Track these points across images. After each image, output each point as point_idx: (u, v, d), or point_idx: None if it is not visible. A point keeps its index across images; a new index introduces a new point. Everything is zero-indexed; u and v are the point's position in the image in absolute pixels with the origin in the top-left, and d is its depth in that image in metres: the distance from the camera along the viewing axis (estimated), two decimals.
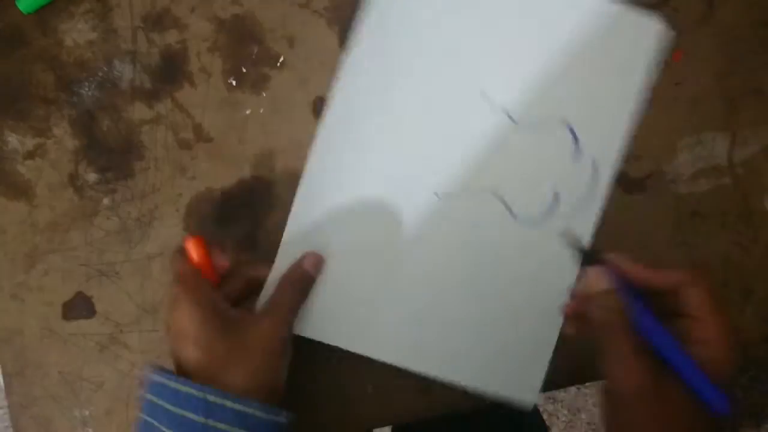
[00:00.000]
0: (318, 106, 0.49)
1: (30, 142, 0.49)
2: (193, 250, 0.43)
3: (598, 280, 0.39)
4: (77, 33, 0.49)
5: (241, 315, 0.42)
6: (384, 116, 0.49)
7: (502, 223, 0.48)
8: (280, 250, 0.47)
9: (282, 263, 0.46)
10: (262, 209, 0.49)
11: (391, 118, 0.49)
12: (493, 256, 0.48)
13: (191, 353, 0.40)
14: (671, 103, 0.50)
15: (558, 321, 0.47)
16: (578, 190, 0.49)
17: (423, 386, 0.49)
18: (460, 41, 0.49)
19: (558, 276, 0.48)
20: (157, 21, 0.49)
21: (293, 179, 0.49)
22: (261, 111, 0.49)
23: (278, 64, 0.49)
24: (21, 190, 0.49)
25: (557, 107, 0.48)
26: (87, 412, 0.49)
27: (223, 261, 0.44)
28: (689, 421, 0.35)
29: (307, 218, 0.48)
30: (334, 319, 0.47)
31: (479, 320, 0.48)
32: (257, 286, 0.46)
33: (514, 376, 0.47)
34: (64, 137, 0.49)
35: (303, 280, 0.45)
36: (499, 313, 0.48)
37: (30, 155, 0.49)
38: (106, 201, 0.49)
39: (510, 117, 0.48)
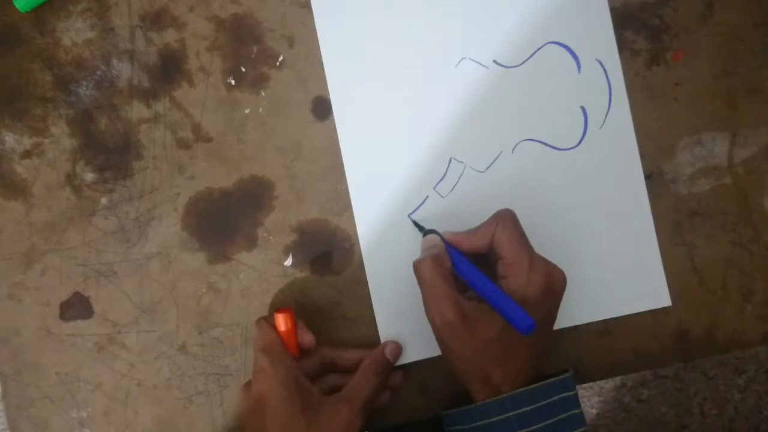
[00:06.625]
0: (317, 106, 0.49)
1: (27, 142, 0.49)
2: (281, 323, 0.44)
3: (430, 240, 0.45)
4: (75, 32, 0.49)
5: (320, 396, 0.43)
6: (386, 112, 0.49)
7: (552, 160, 0.49)
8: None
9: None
10: (261, 209, 0.49)
11: (394, 112, 0.49)
12: (560, 195, 0.49)
13: (270, 428, 0.42)
14: (671, 103, 0.50)
15: (651, 224, 0.49)
16: (599, 92, 0.49)
17: (423, 386, 0.49)
18: (435, 19, 0.49)
19: (628, 177, 0.49)
20: (156, 20, 0.49)
21: (292, 179, 0.49)
22: (260, 110, 0.49)
23: (278, 64, 0.49)
24: (18, 190, 0.49)
25: (541, 34, 0.49)
26: (84, 413, 0.49)
27: (308, 338, 0.45)
28: (499, 339, 0.41)
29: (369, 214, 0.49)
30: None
31: (584, 259, 0.49)
32: (332, 367, 0.47)
33: (641, 289, 0.49)
34: (61, 136, 0.49)
35: (385, 370, 0.46)
36: (596, 244, 0.49)
37: (27, 154, 0.49)
38: (104, 201, 0.49)
39: (503, 65, 0.49)
